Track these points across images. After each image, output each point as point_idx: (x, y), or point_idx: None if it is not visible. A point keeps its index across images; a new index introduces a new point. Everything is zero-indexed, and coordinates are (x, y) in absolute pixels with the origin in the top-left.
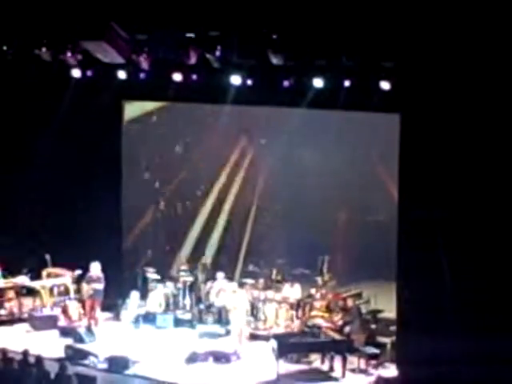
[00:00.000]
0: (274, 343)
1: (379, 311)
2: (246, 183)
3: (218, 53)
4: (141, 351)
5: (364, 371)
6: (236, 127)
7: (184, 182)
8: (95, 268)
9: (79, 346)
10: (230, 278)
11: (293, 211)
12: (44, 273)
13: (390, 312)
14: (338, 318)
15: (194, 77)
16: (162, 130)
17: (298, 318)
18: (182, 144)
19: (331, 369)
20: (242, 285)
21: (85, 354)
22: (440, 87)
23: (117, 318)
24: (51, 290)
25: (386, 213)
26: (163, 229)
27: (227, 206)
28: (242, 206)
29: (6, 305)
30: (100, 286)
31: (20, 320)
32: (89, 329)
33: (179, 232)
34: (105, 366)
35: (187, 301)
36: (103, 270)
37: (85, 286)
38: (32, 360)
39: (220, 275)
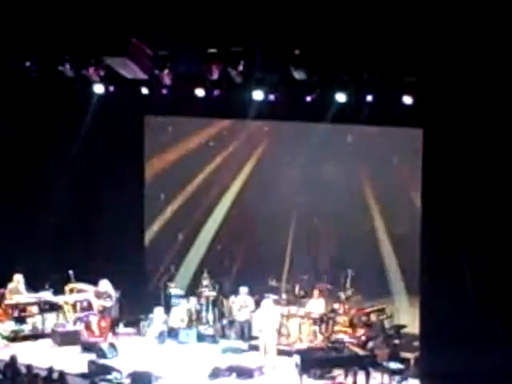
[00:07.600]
0: (297, 358)
1: (402, 326)
2: (268, 198)
3: (240, 68)
4: (164, 366)
5: None
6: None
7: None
8: (104, 285)
9: (102, 361)
10: (252, 293)
11: (315, 226)
12: (67, 288)
13: (413, 327)
14: (361, 333)
15: (217, 92)
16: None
17: (321, 333)
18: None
19: None
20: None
21: (108, 370)
22: (463, 101)
23: (139, 333)
24: (74, 305)
25: (410, 227)
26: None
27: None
28: (264, 221)
29: (29, 320)
30: (109, 304)
31: (43, 335)
32: (112, 344)
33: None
34: (128, 381)
35: (210, 316)
36: (126, 285)
37: (95, 302)
38: (55, 376)
39: (243, 290)
